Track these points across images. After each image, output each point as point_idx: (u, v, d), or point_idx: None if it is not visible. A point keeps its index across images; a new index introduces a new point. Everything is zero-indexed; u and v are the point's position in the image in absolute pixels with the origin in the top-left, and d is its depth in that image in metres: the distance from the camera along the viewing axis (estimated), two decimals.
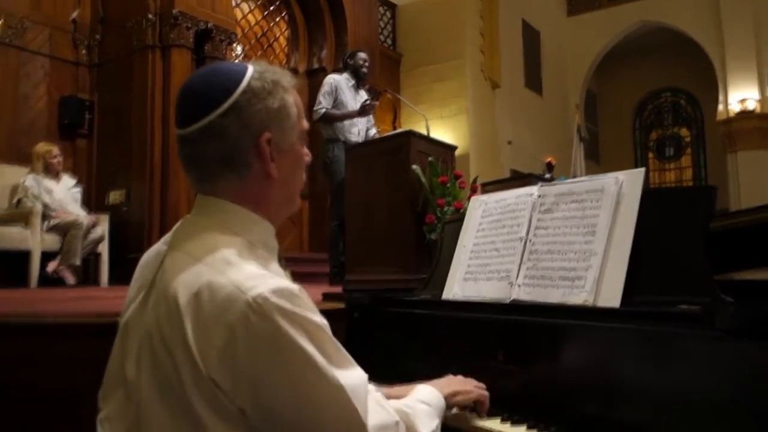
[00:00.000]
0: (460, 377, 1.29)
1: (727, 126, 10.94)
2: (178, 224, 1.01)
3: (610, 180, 1.37)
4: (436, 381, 1.24)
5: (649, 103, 15.11)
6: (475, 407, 1.26)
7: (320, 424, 0.86)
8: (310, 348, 0.85)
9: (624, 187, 1.34)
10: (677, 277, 1.22)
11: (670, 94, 14.80)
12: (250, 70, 0.97)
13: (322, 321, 0.89)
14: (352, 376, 0.89)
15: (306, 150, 1.07)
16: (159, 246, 1.01)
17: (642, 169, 1.36)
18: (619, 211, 1.33)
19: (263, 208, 1.00)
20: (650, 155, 15.14)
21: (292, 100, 1.01)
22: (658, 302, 1.18)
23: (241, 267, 0.88)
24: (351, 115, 4.79)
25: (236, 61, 6.90)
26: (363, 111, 4.77)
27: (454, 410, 1.24)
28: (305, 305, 0.87)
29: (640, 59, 13.81)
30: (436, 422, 1.07)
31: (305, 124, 1.05)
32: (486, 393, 1.27)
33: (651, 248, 1.27)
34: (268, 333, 0.83)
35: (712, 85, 11.29)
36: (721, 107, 11.01)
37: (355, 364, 0.93)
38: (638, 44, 12.94)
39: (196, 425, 0.83)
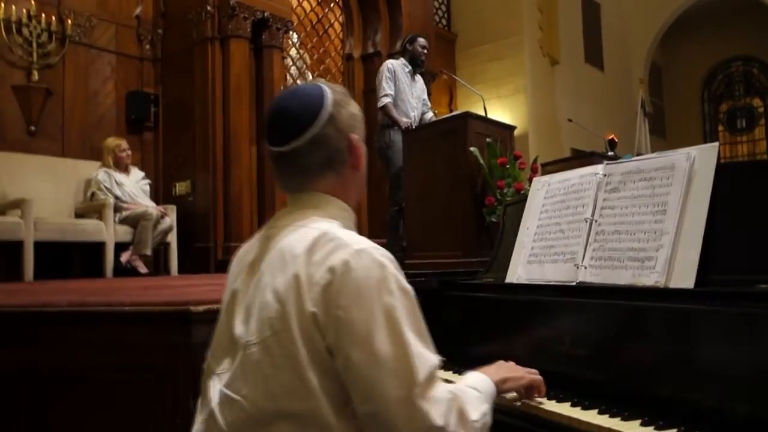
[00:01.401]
0: (510, 363, 1.29)
1: None
2: (276, 215, 1.19)
3: (681, 156, 1.32)
4: (485, 368, 1.24)
5: (719, 73, 14.39)
6: (527, 392, 1.26)
7: (377, 372, 0.95)
8: (395, 304, 0.98)
9: (696, 163, 1.29)
10: (756, 255, 1.17)
11: (741, 63, 14.04)
12: (324, 86, 1.17)
13: (412, 290, 1.03)
14: (422, 346, 1.00)
15: None
16: (257, 237, 1.17)
17: (716, 144, 1.30)
18: (692, 188, 1.27)
19: (347, 197, 1.18)
20: (720, 128, 14.46)
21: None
22: (735, 282, 1.13)
23: (344, 231, 1.06)
24: (397, 123, 4.63)
25: (292, 48, 6.97)
26: (406, 131, 4.52)
27: (510, 395, 1.25)
28: (400, 271, 1.02)
29: (708, 27, 13.14)
30: (485, 407, 1.08)
31: None
32: (538, 378, 1.27)
33: (727, 226, 1.21)
34: (364, 279, 0.97)
35: None
36: None
37: (430, 343, 1.03)
38: (705, 12, 12.30)
39: (295, 365, 0.96)
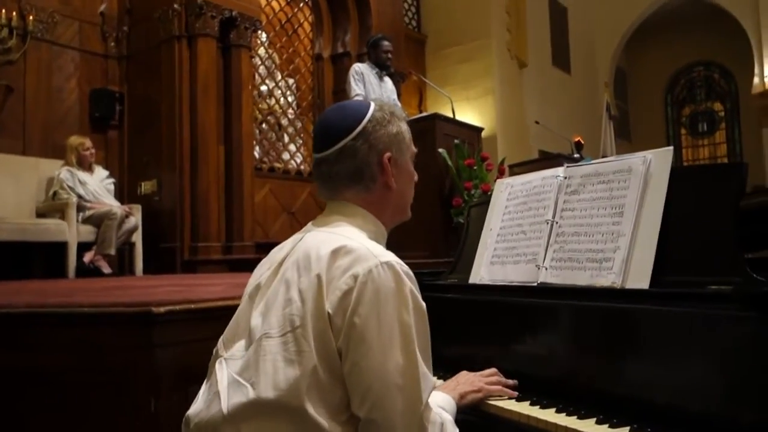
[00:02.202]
0: (469, 376, 1.35)
1: (763, 99, 10.59)
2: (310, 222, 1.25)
3: (637, 160, 1.35)
4: (445, 385, 1.31)
5: (681, 77, 14.73)
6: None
7: (385, 384, 0.98)
8: (411, 322, 1.02)
9: (652, 166, 1.32)
10: (708, 256, 1.20)
11: (703, 68, 14.40)
12: (372, 104, 1.22)
13: (425, 308, 1.07)
14: (426, 367, 1.04)
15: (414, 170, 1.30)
16: (292, 237, 1.22)
17: (670, 148, 1.33)
18: (648, 191, 1.30)
19: (381, 214, 1.23)
20: (683, 131, 14.80)
21: (405, 127, 1.24)
22: (688, 283, 1.16)
23: (371, 242, 1.10)
24: None
25: (261, 48, 6.93)
26: None
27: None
28: (416, 287, 1.06)
29: (671, 33, 13.45)
30: (457, 431, 1.13)
31: (414, 148, 1.28)
32: (496, 388, 1.31)
33: (681, 228, 1.25)
34: (385, 290, 1.00)
35: (747, 58, 10.95)
36: (756, 80, 10.66)
37: (430, 363, 1.08)
38: (669, 18, 12.60)
39: (305, 363, 1.00)
